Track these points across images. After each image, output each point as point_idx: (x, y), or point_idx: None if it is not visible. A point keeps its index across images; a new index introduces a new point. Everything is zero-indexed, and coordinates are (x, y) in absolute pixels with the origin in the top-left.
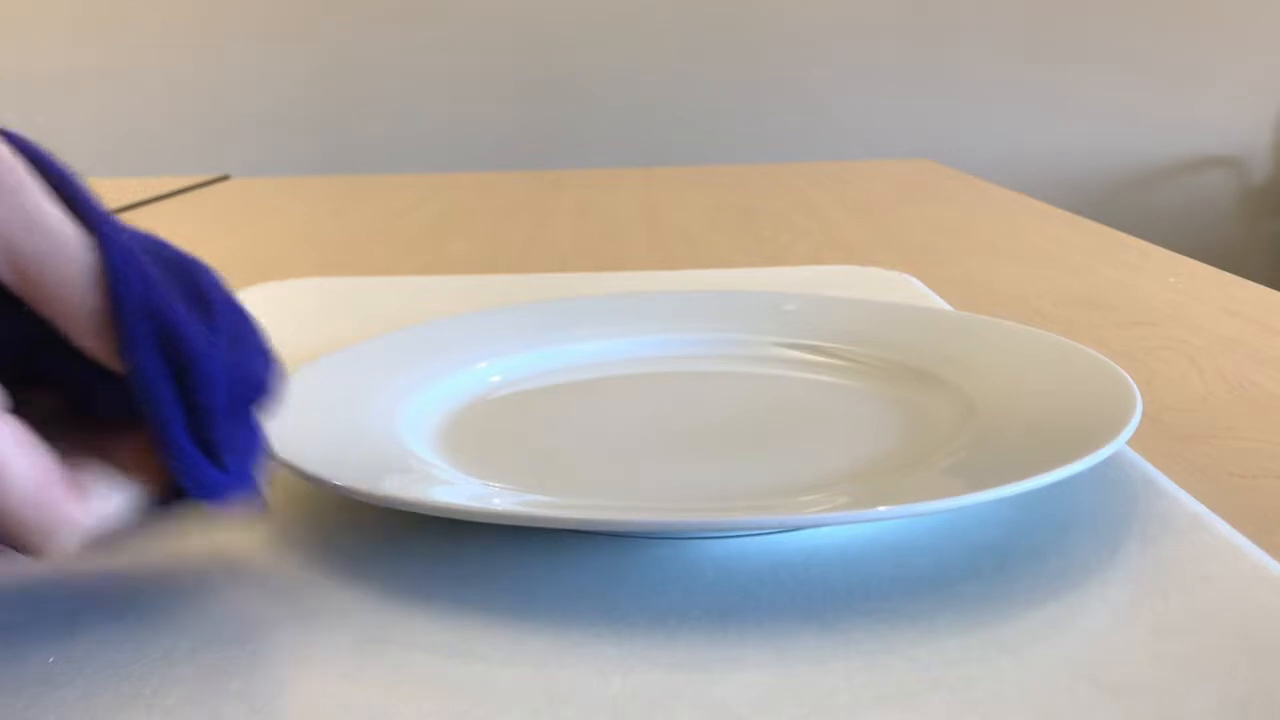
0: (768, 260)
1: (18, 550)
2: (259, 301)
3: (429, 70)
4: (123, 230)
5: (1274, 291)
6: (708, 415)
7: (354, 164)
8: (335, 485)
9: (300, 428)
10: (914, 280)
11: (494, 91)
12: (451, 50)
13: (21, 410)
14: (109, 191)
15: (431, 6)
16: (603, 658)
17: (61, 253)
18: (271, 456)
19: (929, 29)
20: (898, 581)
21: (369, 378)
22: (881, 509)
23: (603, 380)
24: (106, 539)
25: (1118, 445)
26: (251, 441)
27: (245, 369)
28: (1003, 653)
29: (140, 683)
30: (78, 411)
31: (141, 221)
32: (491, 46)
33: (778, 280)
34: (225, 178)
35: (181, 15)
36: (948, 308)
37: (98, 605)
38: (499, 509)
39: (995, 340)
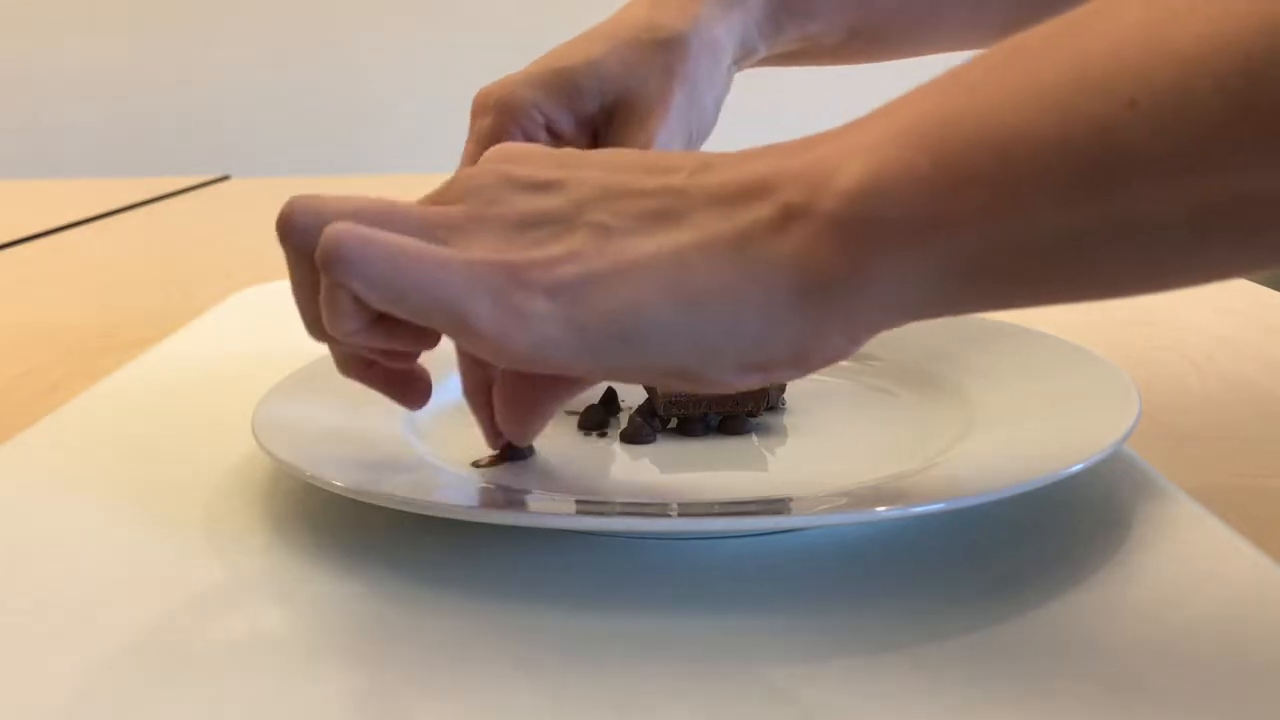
0: None
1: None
2: (260, 302)
3: (429, 70)
4: None
5: (1273, 291)
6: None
7: (354, 164)
8: (335, 485)
9: (300, 427)
10: None
11: None
12: (451, 49)
13: None
14: (110, 191)
15: (431, 6)
16: (604, 657)
17: None
18: (273, 458)
19: None
20: (898, 581)
21: None
22: (881, 509)
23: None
24: None
25: (1118, 445)
26: None
27: None
28: (1003, 653)
29: (143, 683)
30: None
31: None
32: (491, 46)
33: None
34: (225, 178)
35: (182, 15)
36: None
37: (99, 605)
38: (500, 509)
39: (995, 341)
